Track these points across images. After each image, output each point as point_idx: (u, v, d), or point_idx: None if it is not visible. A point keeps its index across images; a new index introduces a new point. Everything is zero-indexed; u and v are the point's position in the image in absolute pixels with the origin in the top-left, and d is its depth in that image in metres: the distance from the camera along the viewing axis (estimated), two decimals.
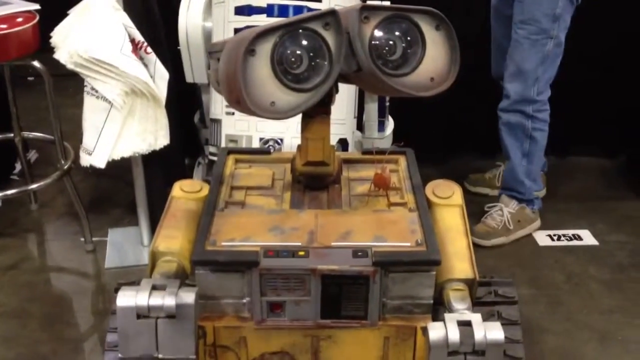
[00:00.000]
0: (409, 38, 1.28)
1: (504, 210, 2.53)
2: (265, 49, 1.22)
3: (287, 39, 1.24)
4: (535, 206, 2.58)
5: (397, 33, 1.28)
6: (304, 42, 1.25)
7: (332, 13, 1.25)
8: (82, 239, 2.49)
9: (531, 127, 2.43)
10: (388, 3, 2.21)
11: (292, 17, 1.27)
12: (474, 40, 2.75)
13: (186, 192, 1.51)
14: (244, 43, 1.21)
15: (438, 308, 1.35)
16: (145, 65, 2.10)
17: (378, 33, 1.27)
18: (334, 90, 1.35)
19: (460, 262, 1.36)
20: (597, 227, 2.63)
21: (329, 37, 1.25)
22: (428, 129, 2.94)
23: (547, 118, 2.46)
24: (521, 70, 2.37)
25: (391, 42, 1.27)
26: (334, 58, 1.26)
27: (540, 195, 2.68)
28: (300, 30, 1.25)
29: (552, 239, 2.57)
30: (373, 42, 1.27)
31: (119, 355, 1.25)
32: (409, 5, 1.29)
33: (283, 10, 2.10)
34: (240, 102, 1.22)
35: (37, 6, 2.26)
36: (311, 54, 1.25)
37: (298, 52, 1.25)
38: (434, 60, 1.30)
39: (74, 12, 2.10)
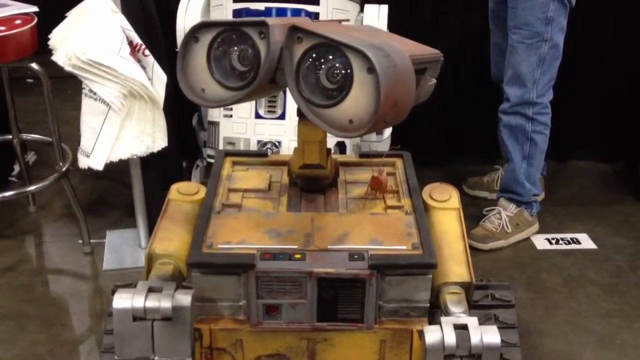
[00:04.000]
0: (336, 71, 1.20)
1: (502, 214, 2.53)
2: (206, 39, 1.25)
3: (225, 37, 1.25)
4: (534, 209, 2.58)
5: (327, 63, 1.21)
6: (239, 45, 1.26)
7: (263, 24, 1.23)
8: (80, 241, 2.49)
9: (531, 130, 2.44)
10: (386, 7, 2.21)
11: (239, 19, 1.29)
12: (473, 43, 2.76)
13: (183, 195, 1.52)
14: (191, 28, 1.26)
15: (435, 311, 1.35)
16: (143, 68, 2.10)
17: (308, 57, 1.21)
18: None
19: (456, 266, 1.36)
20: (595, 231, 2.63)
21: (261, 46, 1.24)
22: (426, 132, 2.94)
23: (547, 122, 2.46)
24: (519, 75, 2.38)
25: (318, 70, 1.21)
26: (260, 67, 1.24)
27: (539, 199, 2.68)
28: (237, 33, 1.25)
29: (551, 243, 2.57)
30: (302, 64, 1.21)
31: (115, 357, 1.25)
32: (349, 40, 1.18)
33: (281, 13, 2.11)
34: (178, 79, 1.29)
35: (35, 8, 2.26)
36: (244, 58, 1.26)
37: (232, 51, 1.26)
38: (357, 103, 1.19)
39: (72, 15, 2.10)
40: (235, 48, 1.26)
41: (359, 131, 1.19)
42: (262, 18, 1.24)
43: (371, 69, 1.15)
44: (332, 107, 1.19)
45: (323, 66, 1.20)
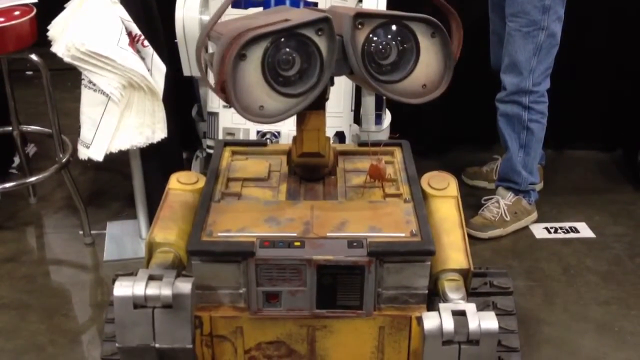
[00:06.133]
0: (403, 45, 1.27)
1: (501, 202, 2.54)
2: (256, 54, 1.21)
3: (279, 45, 1.22)
4: (532, 198, 2.58)
5: (391, 40, 1.27)
6: (296, 49, 1.24)
7: (325, 20, 1.23)
8: (81, 232, 2.50)
9: (528, 119, 2.44)
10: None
11: (284, 22, 1.25)
12: (473, 31, 2.76)
13: (183, 184, 1.52)
14: (235, 47, 1.20)
15: (433, 299, 1.35)
16: (143, 59, 2.10)
17: (372, 39, 1.26)
18: (328, 84, 1.35)
19: (455, 253, 1.37)
20: (593, 220, 2.64)
21: (321, 43, 1.24)
22: (426, 122, 2.95)
23: (544, 110, 2.47)
24: (515, 63, 2.38)
25: (384, 50, 1.27)
26: (325, 64, 1.25)
27: (538, 189, 2.68)
28: (293, 37, 1.23)
29: (549, 232, 2.58)
30: (366, 49, 1.26)
31: (117, 344, 1.26)
32: (404, 13, 1.27)
33: (279, 2, 2.11)
34: (231, 104, 1.23)
35: None
36: (302, 60, 1.24)
37: (289, 58, 1.23)
38: (427, 67, 1.29)
39: (71, 5, 2.10)
40: (295, 51, 1.23)
41: (434, 92, 1.31)
42: (322, 15, 1.23)
43: (434, 33, 1.27)
44: (405, 78, 1.28)
45: (387, 44, 1.26)
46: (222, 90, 1.23)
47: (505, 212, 2.52)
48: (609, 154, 3.11)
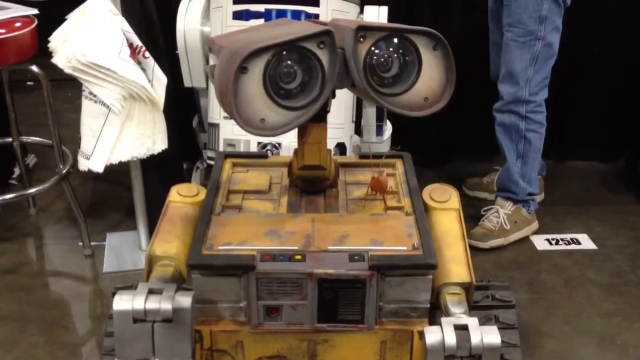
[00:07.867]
0: (405, 58, 1.27)
1: (500, 212, 2.54)
2: (257, 67, 1.21)
3: (281, 58, 1.22)
4: (531, 207, 2.58)
5: (393, 53, 1.27)
6: (298, 62, 1.24)
7: (327, 33, 1.23)
8: (81, 244, 2.50)
9: (525, 128, 2.44)
10: (385, 9, 2.21)
11: (286, 35, 1.24)
12: (473, 43, 2.76)
13: (183, 196, 1.51)
14: (236, 60, 1.19)
15: (435, 312, 1.35)
16: (144, 70, 2.10)
17: (373, 52, 1.26)
18: (330, 97, 1.35)
19: (456, 266, 1.36)
20: (595, 231, 2.64)
21: (323, 56, 1.24)
22: (426, 134, 2.95)
23: (542, 120, 2.47)
24: (512, 72, 2.39)
25: (386, 62, 1.27)
26: (326, 77, 1.25)
27: (539, 200, 2.68)
28: (294, 50, 1.23)
29: (551, 243, 2.57)
30: (368, 61, 1.26)
31: (116, 359, 1.25)
32: (406, 26, 1.27)
33: (281, 15, 2.11)
34: (232, 116, 1.23)
35: (35, 11, 2.27)
36: (304, 73, 1.24)
37: (291, 71, 1.23)
38: (429, 80, 1.29)
39: (72, 17, 2.10)
40: (297, 64, 1.23)
41: (436, 105, 1.31)
42: (324, 28, 1.23)
43: (436, 46, 1.26)
44: (407, 91, 1.28)
45: (389, 57, 1.26)
46: (230, 113, 1.23)
47: (505, 221, 2.52)
48: (610, 164, 3.11)
